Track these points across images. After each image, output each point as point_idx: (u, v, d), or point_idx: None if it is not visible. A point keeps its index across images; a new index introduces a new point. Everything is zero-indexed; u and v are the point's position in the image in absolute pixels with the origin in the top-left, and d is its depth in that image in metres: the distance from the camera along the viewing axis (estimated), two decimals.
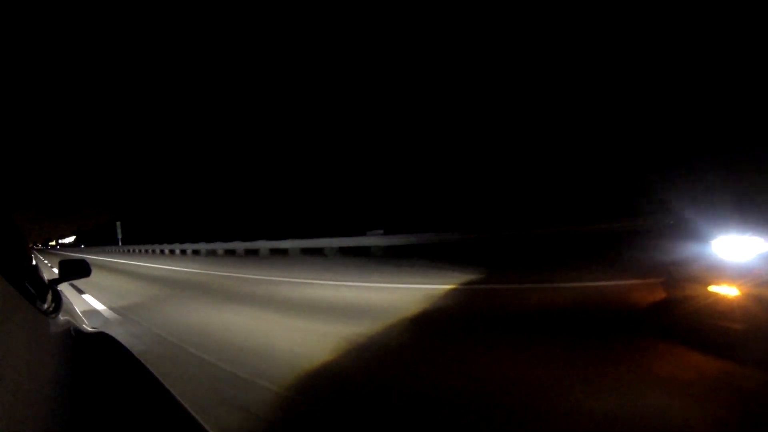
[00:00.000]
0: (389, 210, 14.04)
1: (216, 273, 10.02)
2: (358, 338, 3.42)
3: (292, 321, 4.33)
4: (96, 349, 1.35)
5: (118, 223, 43.54)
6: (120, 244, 39.94)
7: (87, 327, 1.73)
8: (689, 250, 2.99)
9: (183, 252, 21.61)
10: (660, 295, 3.62)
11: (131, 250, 30.72)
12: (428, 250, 9.84)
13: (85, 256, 21.35)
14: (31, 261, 1.49)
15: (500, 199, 12.10)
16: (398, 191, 15.42)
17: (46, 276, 1.69)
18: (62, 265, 1.85)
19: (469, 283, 5.59)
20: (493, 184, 12.86)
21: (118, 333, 4.28)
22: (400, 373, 2.67)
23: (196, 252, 20.03)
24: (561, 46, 12.70)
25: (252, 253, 15.76)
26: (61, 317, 1.29)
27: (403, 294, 5.28)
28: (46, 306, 1.21)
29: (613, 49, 11.53)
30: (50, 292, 1.42)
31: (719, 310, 2.58)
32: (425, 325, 3.81)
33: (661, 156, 9.34)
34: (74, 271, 1.87)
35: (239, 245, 16.89)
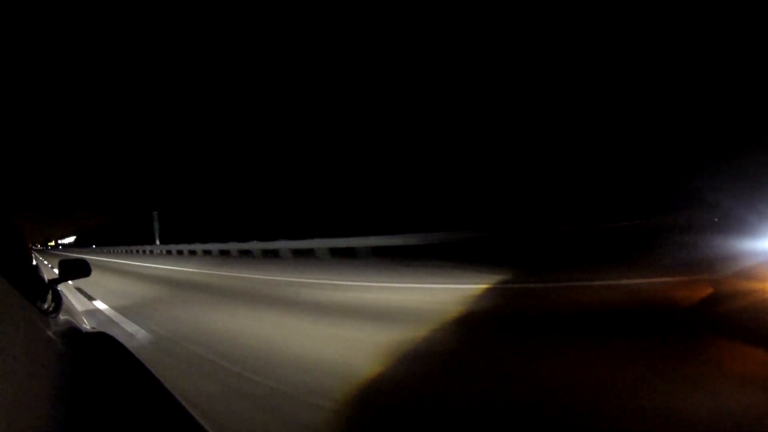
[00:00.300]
0: (417, 209, 13.83)
1: (235, 275, 9.57)
2: (407, 345, 3.18)
3: (331, 328, 4.02)
4: (96, 349, 1.35)
5: (155, 214, 31.80)
6: (158, 242, 29.58)
7: (87, 327, 1.73)
8: (741, 246, 2.93)
9: (192, 252, 20.51)
10: (706, 291, 3.53)
11: (138, 251, 29.23)
12: (451, 249, 9.60)
13: (116, 260, 19.07)
14: (31, 261, 1.50)
15: (526, 197, 11.83)
16: (419, 190, 15.16)
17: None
18: (62, 265, 1.85)
19: (502, 282, 5.44)
20: (518, 181, 12.59)
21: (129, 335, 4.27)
22: (462, 383, 2.49)
23: (207, 252, 19.06)
24: (595, 35, 12.33)
25: (271, 254, 14.87)
26: (61, 317, 1.29)
27: (438, 295, 5.15)
28: (46, 306, 1.21)
29: (653, 36, 11.15)
30: (50, 291, 1.43)
31: None
32: (472, 328, 3.65)
33: (702, 151, 9.01)
34: (74, 271, 1.87)
35: (256, 245, 15.91)
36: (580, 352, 2.76)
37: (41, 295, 1.24)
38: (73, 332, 1.32)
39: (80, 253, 38.66)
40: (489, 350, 3.03)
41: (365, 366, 2.79)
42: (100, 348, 1.39)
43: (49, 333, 1.00)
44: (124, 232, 47.85)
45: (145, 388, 1.16)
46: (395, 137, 17.91)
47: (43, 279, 1.53)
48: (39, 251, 61.88)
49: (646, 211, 8.02)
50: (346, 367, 2.83)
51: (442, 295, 5.09)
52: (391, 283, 6.40)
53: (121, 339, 1.55)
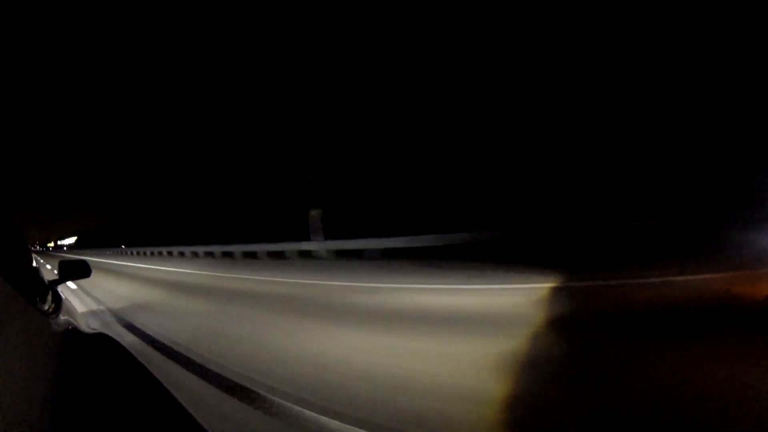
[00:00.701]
0: (436, 209, 13.49)
1: (288, 281, 8.44)
2: (513, 356, 2.83)
3: (414, 342, 3.44)
4: (96, 350, 1.36)
5: (311, 178, 18.49)
6: (317, 237, 16.46)
7: (87, 328, 1.75)
8: None
9: (211, 254, 18.78)
10: None
11: (146, 253, 27.31)
12: (483, 249, 9.25)
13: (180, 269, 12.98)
14: (32, 262, 1.51)
15: (554, 196, 11.48)
16: (439, 190, 14.73)
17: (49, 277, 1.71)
18: (62, 266, 1.87)
19: (564, 280, 5.17)
20: (549, 181, 12.20)
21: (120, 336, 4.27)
22: (593, 394, 2.25)
23: (227, 254, 17.65)
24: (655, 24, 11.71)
25: (305, 255, 13.58)
26: (62, 318, 1.30)
27: (506, 296, 4.93)
28: (46, 307, 1.23)
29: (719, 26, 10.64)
30: (50, 293, 1.44)
31: None
32: (568, 331, 3.42)
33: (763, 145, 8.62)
34: (74, 272, 1.89)
35: (290, 246, 14.47)
36: (692, 351, 2.69)
37: (41, 296, 1.25)
38: (73, 333, 1.34)
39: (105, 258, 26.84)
40: (602, 355, 2.82)
41: (480, 385, 2.44)
42: (100, 348, 1.40)
43: (49, 333, 1.01)
44: (136, 231, 44.32)
45: (145, 389, 1.17)
46: (412, 138, 17.54)
47: (43, 280, 1.54)
48: (38, 252, 59.92)
49: (701, 207, 7.76)
50: (461, 388, 2.44)
51: (511, 296, 4.89)
52: (448, 284, 6.01)
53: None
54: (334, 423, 2.07)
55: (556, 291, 4.76)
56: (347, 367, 2.95)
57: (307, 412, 2.20)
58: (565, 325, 3.58)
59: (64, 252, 69.29)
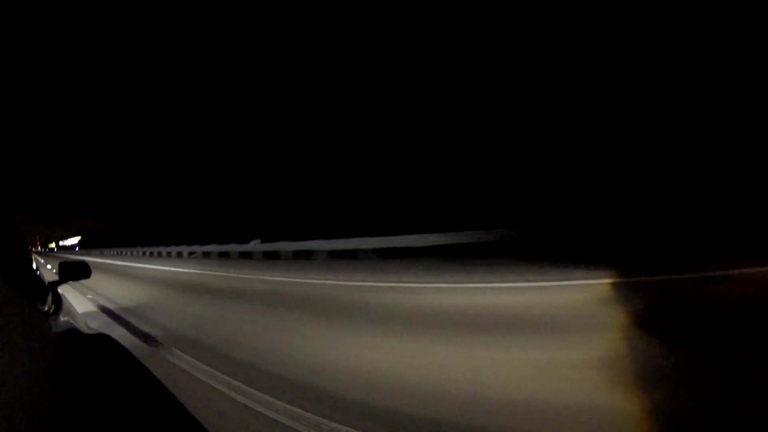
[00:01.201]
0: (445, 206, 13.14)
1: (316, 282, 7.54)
2: (613, 364, 2.46)
3: (481, 349, 3.00)
4: (96, 350, 1.37)
5: None
6: None
7: (87, 328, 1.75)
8: None
9: (222, 254, 17.68)
10: None
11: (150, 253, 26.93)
12: (503, 247, 8.65)
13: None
14: (32, 263, 1.52)
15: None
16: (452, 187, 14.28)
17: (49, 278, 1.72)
18: (62, 267, 1.88)
19: (620, 276, 4.74)
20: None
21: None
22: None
23: (223, 254, 17.30)
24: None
25: (303, 255, 12.91)
26: (62, 318, 1.31)
27: (563, 294, 4.50)
28: (46, 308, 1.24)
29: None
30: (50, 293, 1.45)
31: None
32: (658, 330, 2.98)
33: None
34: (74, 272, 1.90)
35: (287, 246, 13.69)
36: None
37: (41, 296, 1.26)
38: (73, 333, 1.35)
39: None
40: (722, 361, 2.41)
41: (595, 405, 2.02)
42: (100, 349, 1.41)
43: (50, 334, 1.02)
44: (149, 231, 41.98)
45: (145, 389, 1.18)
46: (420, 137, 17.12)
47: (43, 281, 1.55)
48: (39, 254, 57.95)
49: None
50: (567, 408, 2.01)
51: (570, 293, 4.47)
52: (493, 283, 5.55)
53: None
54: (337, 425, 2.08)
55: (622, 286, 4.30)
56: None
57: (307, 413, 2.21)
58: (656, 323, 3.19)
59: (76, 252, 67.62)
